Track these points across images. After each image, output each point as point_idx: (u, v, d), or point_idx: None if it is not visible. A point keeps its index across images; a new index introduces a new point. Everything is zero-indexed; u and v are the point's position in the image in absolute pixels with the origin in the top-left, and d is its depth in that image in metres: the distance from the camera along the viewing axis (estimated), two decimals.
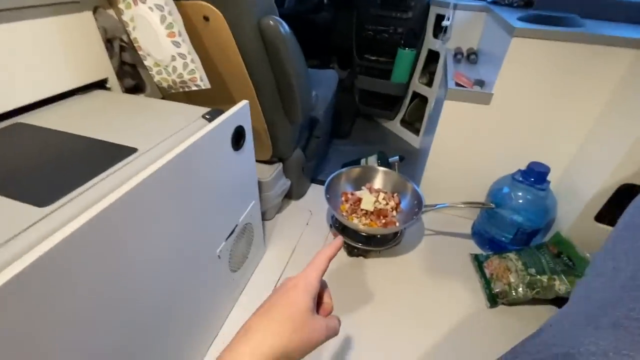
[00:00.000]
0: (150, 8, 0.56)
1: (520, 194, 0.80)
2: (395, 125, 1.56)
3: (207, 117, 0.54)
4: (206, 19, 0.59)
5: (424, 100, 1.37)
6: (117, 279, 0.37)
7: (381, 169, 0.95)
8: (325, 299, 0.32)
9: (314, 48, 1.71)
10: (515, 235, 0.82)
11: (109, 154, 0.44)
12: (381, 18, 1.26)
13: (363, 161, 1.14)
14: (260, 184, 0.84)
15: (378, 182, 0.96)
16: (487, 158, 0.89)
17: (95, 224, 0.32)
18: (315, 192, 1.10)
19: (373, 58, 1.39)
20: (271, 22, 0.60)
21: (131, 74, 0.75)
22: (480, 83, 0.86)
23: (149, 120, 0.54)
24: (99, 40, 0.65)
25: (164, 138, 0.48)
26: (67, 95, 0.61)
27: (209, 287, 0.61)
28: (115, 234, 0.36)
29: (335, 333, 0.30)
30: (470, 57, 1.07)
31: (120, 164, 0.42)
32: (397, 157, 1.07)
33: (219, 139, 0.53)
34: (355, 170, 0.95)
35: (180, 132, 0.50)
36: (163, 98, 0.80)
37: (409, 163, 1.26)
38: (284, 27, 0.62)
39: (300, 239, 0.92)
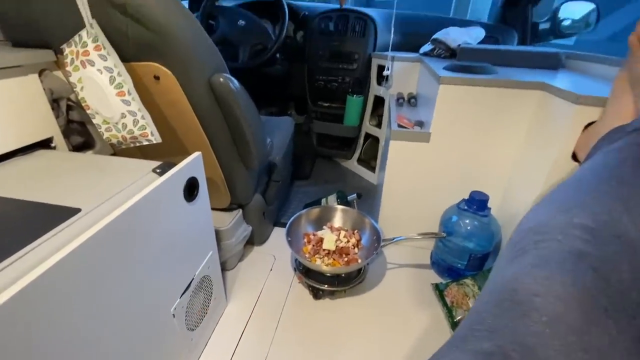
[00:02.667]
0: (99, 70, 0.57)
1: (467, 221, 0.86)
2: (353, 164, 1.64)
3: (158, 171, 0.55)
4: (157, 78, 0.61)
5: (376, 140, 1.47)
6: (60, 346, 0.34)
7: (340, 207, 0.99)
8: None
9: (272, 97, 1.80)
10: (469, 261, 0.87)
11: (50, 217, 0.42)
12: (330, 70, 1.38)
13: (324, 201, 1.17)
14: (218, 232, 0.82)
15: (338, 221, 0.98)
16: (435, 190, 0.96)
17: (31, 290, 0.31)
18: (278, 236, 1.09)
19: (326, 104, 1.49)
20: (221, 79, 0.64)
21: (79, 131, 0.74)
22: (420, 124, 0.95)
23: (95, 178, 0.53)
24: (43, 101, 0.65)
25: (110, 196, 0.47)
26: (8, 156, 0.59)
27: (164, 350, 0.57)
28: (54, 299, 0.33)
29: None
30: (411, 100, 1.19)
31: (61, 226, 0.40)
32: (355, 195, 1.11)
33: (170, 192, 0.53)
34: (315, 211, 0.97)
35: (129, 188, 0.50)
36: (114, 154, 0.79)
37: (368, 199, 1.31)
38: (234, 84, 0.66)
39: (263, 288, 0.89)
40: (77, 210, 0.43)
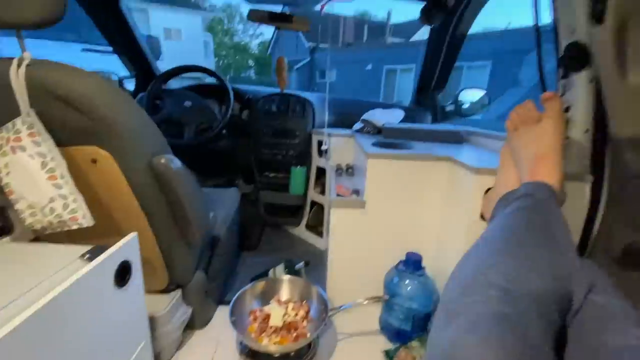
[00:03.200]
0: (30, 156, 0.57)
1: (407, 282, 0.91)
2: (301, 231, 1.66)
3: (87, 256, 0.52)
4: (94, 161, 0.62)
5: (321, 207, 1.55)
6: None
7: (286, 278, 0.98)
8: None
9: (219, 169, 1.84)
10: (414, 322, 0.90)
11: None
12: (274, 144, 1.49)
13: (271, 272, 1.15)
14: (153, 319, 0.76)
15: (285, 293, 0.97)
16: (375, 253, 1.02)
17: None
18: (223, 316, 1.02)
19: (272, 175, 1.56)
20: (162, 160, 0.67)
21: None
22: (357, 192, 1.05)
23: (14, 269, 0.49)
24: None
25: (30, 288, 0.43)
26: None
27: None
28: None
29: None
30: (348, 170, 1.32)
31: None
32: (302, 264, 1.12)
33: (99, 278, 0.50)
34: (261, 285, 0.95)
35: (52, 278, 0.46)
36: (36, 239, 0.73)
37: (317, 265, 1.32)
38: (175, 163, 0.69)
39: None
40: None
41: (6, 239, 0.69)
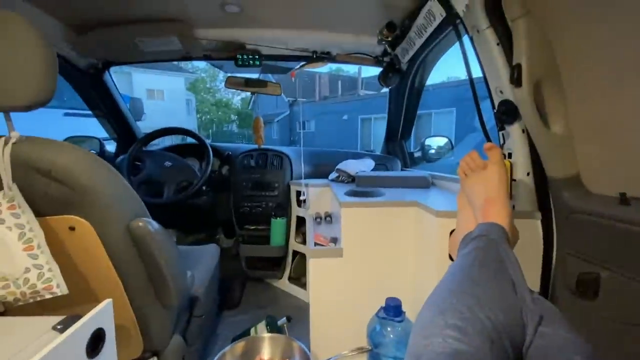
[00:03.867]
0: (8, 227, 0.58)
1: (389, 329, 0.91)
2: (284, 283, 1.64)
3: (59, 327, 0.52)
4: (72, 228, 0.64)
5: (303, 256, 1.55)
6: None
7: (267, 336, 0.96)
8: None
9: (199, 224, 1.84)
10: None
11: None
12: (254, 197, 1.53)
13: (252, 330, 1.12)
14: None
15: (267, 351, 0.94)
16: (356, 302, 1.02)
17: None
18: None
19: (252, 227, 1.58)
20: (140, 223, 0.69)
21: None
22: (335, 240, 1.08)
23: None
24: None
25: None
26: None
27: None
28: None
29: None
30: (327, 218, 1.36)
31: None
32: (284, 319, 1.10)
33: (71, 350, 0.49)
34: (240, 345, 0.92)
35: (23, 352, 0.46)
36: (4, 312, 0.71)
37: (302, 318, 1.28)
38: (153, 226, 0.71)
39: None
40: None
41: None
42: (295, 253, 1.60)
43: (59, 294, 0.61)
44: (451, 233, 0.85)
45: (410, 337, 0.47)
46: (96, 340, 0.55)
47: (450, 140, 1.81)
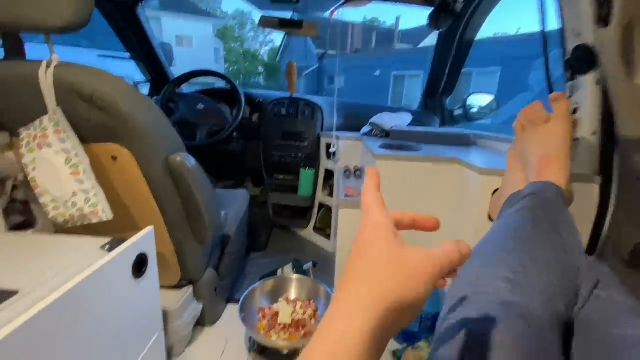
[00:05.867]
0: (56, 152, 0.60)
1: None
2: (309, 233, 1.68)
3: (107, 247, 0.55)
4: (114, 158, 0.65)
5: (329, 209, 1.56)
6: None
7: (295, 277, 0.99)
8: (411, 216, 0.29)
9: (229, 171, 1.87)
10: (421, 323, 0.90)
11: None
12: (283, 147, 1.51)
13: (279, 271, 1.17)
14: (166, 313, 0.78)
15: (294, 292, 0.98)
16: None
17: None
18: (232, 314, 1.04)
19: (281, 177, 1.58)
20: (178, 158, 0.69)
21: (21, 210, 0.71)
22: None
23: (37, 259, 0.51)
24: None
25: (53, 276, 0.46)
26: None
27: None
28: None
29: (456, 257, 0.25)
30: (356, 173, 1.33)
31: None
32: (310, 264, 1.13)
33: (118, 269, 0.52)
34: (270, 283, 0.96)
35: (74, 267, 0.49)
36: (57, 232, 0.76)
37: (325, 267, 1.33)
38: (190, 162, 0.71)
39: None
40: (14, 293, 0.41)
41: (29, 231, 0.72)
42: (321, 205, 1.61)
43: (105, 219, 0.64)
44: (493, 193, 0.80)
45: (452, 285, 0.45)
46: (140, 263, 0.58)
47: (495, 99, 1.66)
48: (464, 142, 1.16)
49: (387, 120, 1.35)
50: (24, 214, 0.71)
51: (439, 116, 1.66)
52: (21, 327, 0.35)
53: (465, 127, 1.61)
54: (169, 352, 0.81)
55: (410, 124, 1.43)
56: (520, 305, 0.35)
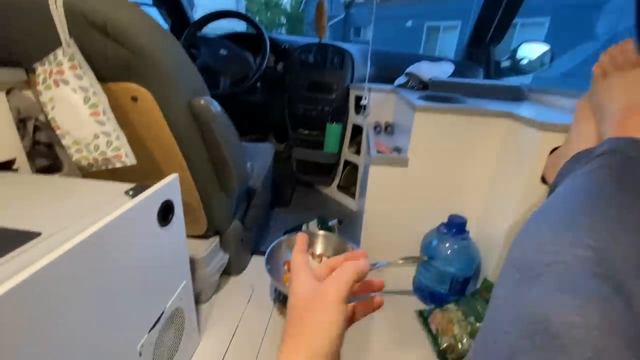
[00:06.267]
0: (73, 90, 0.55)
1: (447, 245, 0.87)
2: (333, 191, 1.64)
3: (131, 193, 0.52)
4: (134, 99, 0.60)
5: (355, 167, 1.50)
6: None
7: (321, 232, 0.97)
8: (332, 263, 0.36)
9: (252, 124, 1.81)
10: (451, 286, 0.87)
11: (5, 241, 0.38)
12: (309, 99, 1.42)
13: (304, 227, 1.15)
14: (193, 261, 0.78)
15: (319, 247, 0.96)
16: (414, 214, 0.97)
17: None
18: (257, 265, 1.05)
19: (306, 131, 1.51)
20: (202, 101, 0.64)
21: (45, 153, 0.69)
22: (398, 149, 0.98)
23: (60, 202, 0.49)
24: (8, 121, 0.61)
25: (75, 219, 0.43)
26: None
27: None
28: (4, 330, 0.29)
29: (354, 273, 0.30)
30: (387, 128, 1.24)
31: (17, 251, 0.36)
32: (335, 221, 1.10)
33: (143, 215, 0.50)
34: (295, 237, 0.94)
35: (97, 211, 0.46)
36: (84, 177, 0.75)
37: (348, 225, 1.30)
38: (215, 106, 0.66)
39: (240, 321, 0.84)
40: (37, 235, 0.39)
41: (56, 175, 0.71)
42: (346, 163, 1.55)
43: (128, 163, 0.61)
44: (551, 152, 0.70)
45: (514, 250, 0.39)
46: (166, 211, 0.55)
47: (550, 49, 1.45)
48: (516, 95, 1.03)
49: (426, 70, 1.22)
50: (49, 157, 0.70)
51: (483, 68, 1.49)
52: (44, 269, 0.33)
53: (513, 81, 1.44)
54: (197, 298, 0.83)
55: (450, 76, 1.29)
56: (614, 279, 0.28)
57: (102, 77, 0.58)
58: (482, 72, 1.49)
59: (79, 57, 0.54)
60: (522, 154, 0.75)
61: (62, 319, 0.36)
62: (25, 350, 0.32)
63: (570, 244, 0.33)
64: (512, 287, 0.33)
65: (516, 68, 1.46)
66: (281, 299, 0.85)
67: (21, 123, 0.64)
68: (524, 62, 1.48)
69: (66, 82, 0.55)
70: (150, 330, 0.54)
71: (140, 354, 0.52)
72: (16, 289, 0.30)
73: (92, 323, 0.41)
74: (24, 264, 0.33)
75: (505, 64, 1.50)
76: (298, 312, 0.29)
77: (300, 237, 0.38)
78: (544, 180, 0.72)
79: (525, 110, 0.86)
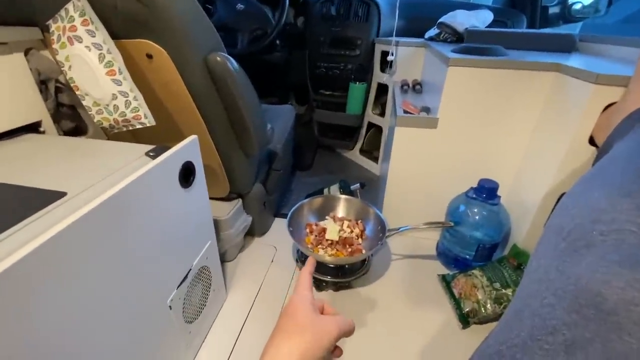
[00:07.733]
0: (87, 47, 0.54)
1: (475, 210, 0.83)
2: (355, 155, 1.60)
3: (151, 154, 0.51)
4: (149, 56, 0.58)
5: (379, 129, 1.44)
6: (44, 341, 0.31)
7: (343, 197, 0.95)
8: (328, 310, 0.42)
9: (271, 86, 1.76)
10: (477, 252, 0.84)
11: (32, 200, 0.39)
12: (331, 56, 1.34)
13: (326, 190, 1.14)
14: (217, 222, 0.79)
15: (341, 210, 0.95)
16: (441, 178, 0.93)
17: (6, 278, 0.27)
18: (279, 227, 1.06)
19: (327, 92, 1.45)
20: (218, 58, 0.60)
21: (70, 115, 0.70)
22: (427, 110, 0.91)
23: (84, 163, 0.50)
24: (30, 82, 0.61)
25: (99, 180, 0.44)
26: None
27: (160, 344, 0.54)
28: (32, 288, 0.30)
29: (349, 327, 0.38)
30: (416, 87, 1.15)
31: (43, 211, 0.37)
32: (358, 185, 1.08)
33: (164, 176, 0.49)
34: (318, 200, 0.94)
35: (119, 172, 0.46)
36: (108, 139, 0.76)
37: (370, 190, 1.28)
38: (232, 63, 0.62)
39: (264, 279, 0.86)
40: (63, 194, 0.40)
41: (82, 137, 0.72)
42: (370, 126, 1.49)
43: (147, 124, 0.60)
44: (604, 110, 0.62)
45: (559, 215, 0.35)
46: (187, 173, 0.55)
47: None
48: (565, 46, 0.91)
49: (462, 19, 1.09)
50: (73, 119, 0.71)
51: (528, 15, 1.32)
52: (69, 227, 0.33)
53: (562, 29, 1.28)
54: (223, 257, 0.86)
55: (489, 26, 1.16)
56: None
57: (115, 34, 0.55)
58: (526, 21, 1.33)
59: (90, 11, 0.52)
60: (569, 112, 0.67)
61: (95, 275, 0.37)
62: (61, 303, 0.33)
63: (629, 211, 0.29)
64: (556, 257, 0.30)
65: (566, 15, 1.29)
66: (303, 260, 0.86)
67: (43, 84, 0.64)
68: (576, 7, 1.30)
69: (80, 40, 0.53)
70: (178, 287, 0.57)
71: (170, 308, 0.55)
72: (45, 245, 0.31)
73: (123, 278, 0.42)
74: (51, 223, 0.33)
75: (554, 9, 1.33)
76: (296, 319, 0.36)
77: (310, 260, 0.46)
78: (592, 142, 0.64)
79: (575, 61, 0.76)
